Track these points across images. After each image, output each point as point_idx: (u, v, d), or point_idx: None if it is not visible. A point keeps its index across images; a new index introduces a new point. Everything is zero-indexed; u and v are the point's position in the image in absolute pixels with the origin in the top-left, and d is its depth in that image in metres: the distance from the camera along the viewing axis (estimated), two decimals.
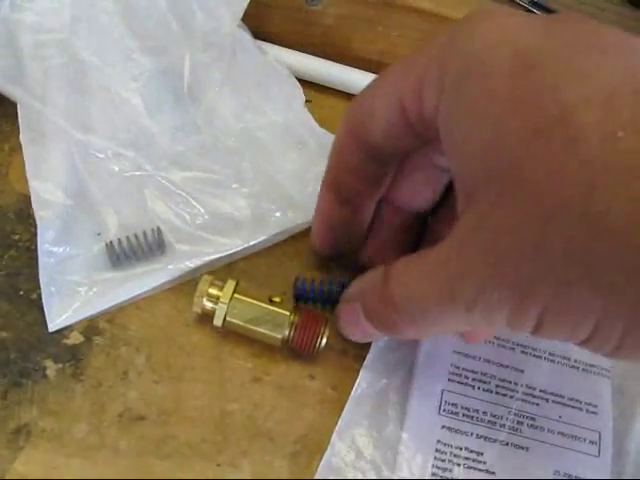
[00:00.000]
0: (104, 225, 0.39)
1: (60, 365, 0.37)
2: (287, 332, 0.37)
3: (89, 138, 0.40)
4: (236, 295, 0.37)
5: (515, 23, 0.24)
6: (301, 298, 0.39)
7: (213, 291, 0.37)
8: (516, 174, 0.22)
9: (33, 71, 0.41)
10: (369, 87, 0.32)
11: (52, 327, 0.37)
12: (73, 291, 0.38)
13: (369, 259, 0.38)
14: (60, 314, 0.37)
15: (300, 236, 0.42)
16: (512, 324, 0.26)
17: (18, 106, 0.41)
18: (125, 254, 0.38)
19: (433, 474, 0.36)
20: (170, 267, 0.39)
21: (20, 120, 0.41)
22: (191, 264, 0.39)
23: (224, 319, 0.37)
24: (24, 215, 0.40)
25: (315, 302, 0.40)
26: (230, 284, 0.37)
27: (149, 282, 0.39)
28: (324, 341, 0.37)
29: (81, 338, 0.38)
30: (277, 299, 0.37)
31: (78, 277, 0.38)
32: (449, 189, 0.36)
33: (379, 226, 0.38)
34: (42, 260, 0.38)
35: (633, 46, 0.23)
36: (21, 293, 0.38)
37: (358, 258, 0.39)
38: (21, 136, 0.40)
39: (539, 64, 0.22)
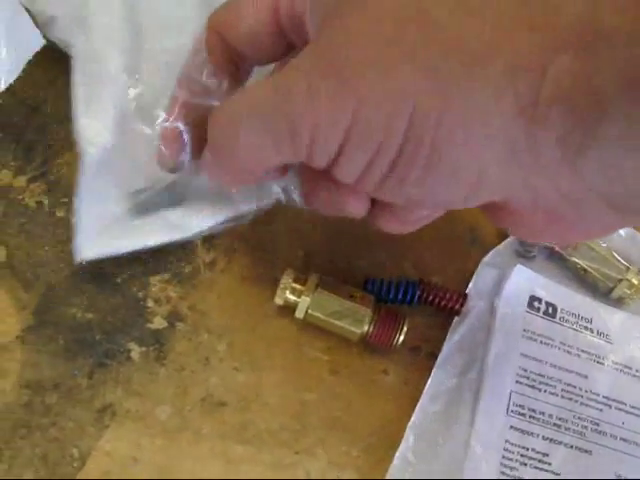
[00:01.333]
0: (138, 173, 0.39)
1: (144, 348, 0.38)
2: (366, 327, 0.38)
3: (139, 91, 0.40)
4: (319, 289, 0.38)
5: None
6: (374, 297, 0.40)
7: (296, 285, 0.38)
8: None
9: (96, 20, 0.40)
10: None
11: (79, 258, 0.37)
12: (104, 227, 0.37)
13: None
14: (90, 247, 0.37)
15: (376, 237, 0.43)
16: (321, 126, 0.25)
17: (73, 50, 0.40)
18: (153, 203, 0.38)
19: (501, 473, 0.38)
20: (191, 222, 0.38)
21: (74, 63, 0.39)
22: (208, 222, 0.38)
23: (306, 312, 0.38)
24: None
25: (386, 302, 0.41)
26: (314, 278, 0.38)
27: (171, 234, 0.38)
28: (401, 338, 0.38)
29: (164, 323, 0.39)
30: (357, 294, 0.38)
31: (109, 214, 0.38)
32: None
33: None
34: (81, 193, 0.37)
35: None
36: (106, 277, 0.39)
37: None
38: (73, 76, 0.39)
39: None
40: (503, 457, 0.38)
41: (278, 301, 0.38)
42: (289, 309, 0.38)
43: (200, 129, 0.31)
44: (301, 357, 0.39)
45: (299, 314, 0.38)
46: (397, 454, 0.37)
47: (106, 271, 0.39)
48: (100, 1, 0.40)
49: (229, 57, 0.31)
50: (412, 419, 0.38)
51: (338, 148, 0.26)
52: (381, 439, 0.38)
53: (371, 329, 0.38)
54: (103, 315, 0.38)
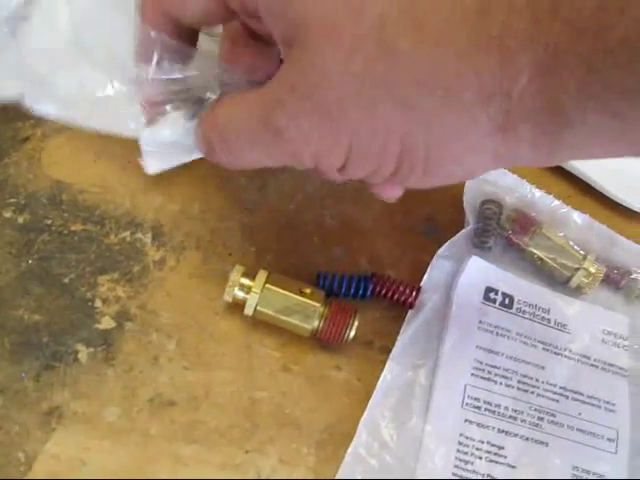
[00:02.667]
0: None
1: (92, 349, 0.37)
2: (317, 323, 0.37)
3: None
4: (268, 285, 0.37)
5: None
6: (326, 292, 0.40)
7: (245, 281, 0.38)
8: (324, 23, 0.25)
9: None
10: None
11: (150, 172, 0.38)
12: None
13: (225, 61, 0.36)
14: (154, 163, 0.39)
15: (329, 231, 0.43)
16: (321, 154, 0.28)
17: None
18: None
19: (455, 466, 0.37)
20: None
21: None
22: None
23: (255, 308, 0.37)
24: (57, 200, 0.41)
25: (338, 296, 0.40)
26: (262, 274, 0.38)
27: None
28: (352, 333, 0.38)
29: (113, 323, 0.38)
30: (308, 290, 0.38)
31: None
32: None
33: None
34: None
35: None
36: (54, 277, 0.39)
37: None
38: None
39: None
40: (458, 451, 0.38)
41: (227, 298, 0.38)
42: (239, 306, 0.38)
43: None
44: (251, 355, 0.38)
45: (248, 311, 0.37)
46: (349, 450, 0.37)
47: (53, 272, 0.39)
48: None
49: (178, 33, 0.32)
50: (364, 415, 0.38)
51: (341, 166, 0.29)
52: (333, 436, 0.37)
53: (321, 325, 0.38)
54: (50, 316, 0.38)
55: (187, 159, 0.38)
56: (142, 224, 0.41)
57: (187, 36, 0.33)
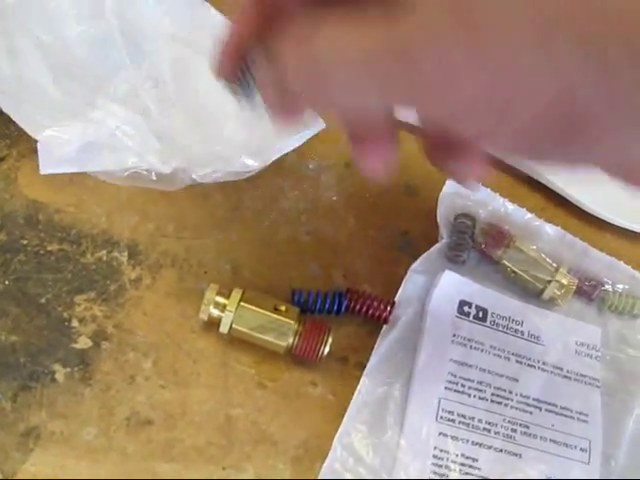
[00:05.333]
0: None
1: (69, 369, 0.38)
2: (291, 340, 0.38)
3: None
4: (242, 303, 0.38)
5: None
6: (301, 308, 0.40)
7: (220, 299, 0.38)
8: None
9: None
10: None
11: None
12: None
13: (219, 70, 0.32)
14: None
15: (304, 247, 0.43)
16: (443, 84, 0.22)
17: None
18: None
19: (430, 479, 0.38)
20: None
21: None
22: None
23: (230, 326, 0.38)
24: (33, 220, 0.41)
25: (313, 312, 0.41)
26: (237, 292, 0.38)
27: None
28: (327, 349, 0.38)
29: (90, 343, 0.38)
30: (282, 307, 0.38)
31: None
32: None
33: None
34: None
35: None
36: (30, 298, 0.39)
37: None
38: None
39: None
40: (432, 464, 0.38)
41: (202, 316, 0.38)
42: (215, 324, 0.38)
43: None
44: (227, 372, 0.39)
45: (223, 329, 0.38)
46: (324, 465, 0.37)
47: (30, 292, 0.39)
48: None
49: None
50: (340, 430, 0.38)
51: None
52: (309, 451, 0.38)
53: (296, 341, 0.38)
54: (27, 337, 0.38)
55: (84, 169, 0.39)
56: (118, 243, 0.41)
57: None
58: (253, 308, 0.38)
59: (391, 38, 0.21)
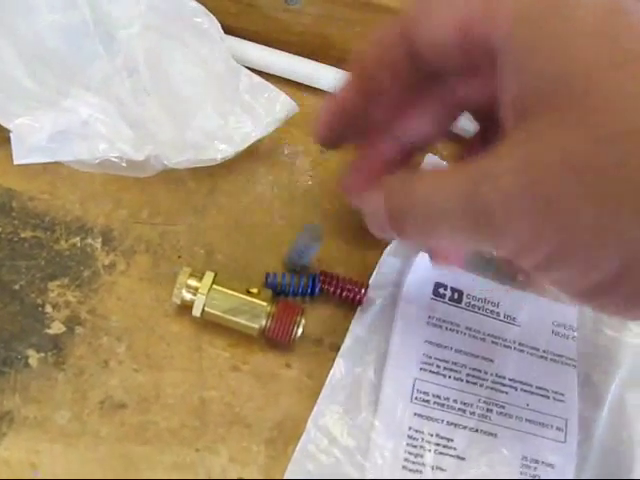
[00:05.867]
0: None
1: (42, 354, 0.38)
2: (264, 322, 0.38)
3: None
4: (214, 286, 0.38)
5: None
6: (275, 291, 0.40)
7: (192, 282, 0.38)
8: (587, 99, 0.22)
9: None
10: None
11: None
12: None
13: (346, 187, 0.39)
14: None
15: (278, 231, 0.44)
16: (521, 250, 0.26)
17: None
18: None
19: (405, 459, 0.38)
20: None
21: None
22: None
23: (203, 309, 0.38)
24: (7, 208, 0.41)
25: (287, 295, 0.41)
26: (209, 275, 0.38)
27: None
28: (300, 331, 0.38)
29: (63, 328, 0.39)
30: (254, 290, 0.39)
31: None
32: None
33: (368, 152, 0.37)
34: None
35: None
36: (4, 284, 0.39)
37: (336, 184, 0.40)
38: None
39: (627, 11, 0.24)
40: (407, 444, 0.38)
41: (175, 300, 0.38)
42: (188, 308, 0.38)
43: None
44: (201, 355, 0.39)
45: (196, 312, 0.38)
46: (298, 447, 0.37)
47: (3, 279, 0.39)
48: None
49: (413, 59, 0.31)
50: (314, 411, 0.38)
51: (538, 264, 0.26)
52: (283, 433, 0.38)
53: (268, 324, 0.38)
54: (1, 323, 0.38)
55: (57, 158, 0.40)
56: (92, 229, 0.42)
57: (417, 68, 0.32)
58: (225, 291, 0.38)
59: (466, 180, 0.26)
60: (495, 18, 0.26)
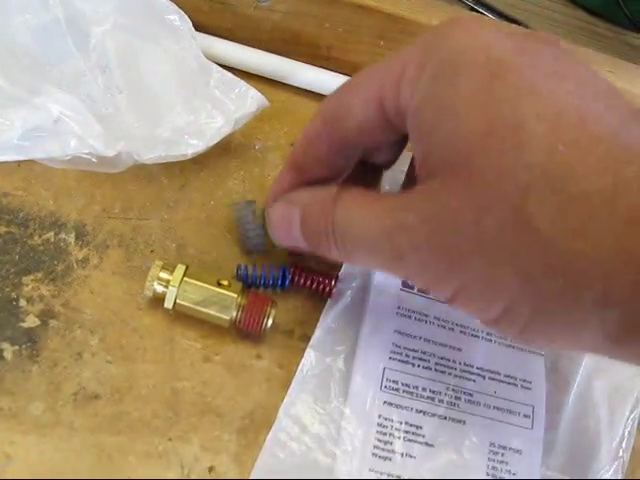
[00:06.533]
0: None
1: (17, 347, 0.38)
2: (234, 313, 0.39)
3: None
4: (186, 279, 0.39)
5: (490, 35, 0.28)
6: (246, 283, 0.41)
7: (164, 275, 0.39)
8: (468, 166, 0.25)
9: None
10: (347, 83, 0.34)
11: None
12: None
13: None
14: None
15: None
16: (430, 287, 0.30)
17: None
18: None
19: (375, 447, 0.39)
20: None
21: None
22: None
23: (174, 302, 0.38)
24: None
25: (258, 287, 0.42)
26: (180, 268, 0.39)
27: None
28: (270, 322, 0.39)
29: (37, 321, 0.39)
30: (225, 282, 0.39)
31: None
32: None
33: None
34: None
35: (586, 77, 0.27)
36: None
37: None
38: None
39: (505, 77, 0.26)
40: (377, 432, 0.39)
41: (147, 293, 0.39)
42: (160, 301, 0.39)
43: None
44: (173, 347, 0.40)
45: (168, 304, 0.38)
46: (269, 436, 0.38)
47: None
48: None
49: (338, 147, 0.34)
50: (285, 400, 0.39)
51: (448, 299, 0.30)
52: (254, 422, 0.38)
53: (239, 315, 0.39)
54: None
55: (30, 156, 0.40)
56: (65, 224, 0.42)
57: (348, 156, 0.35)
58: (196, 283, 0.39)
59: (385, 222, 0.29)
60: (400, 92, 0.30)
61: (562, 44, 0.29)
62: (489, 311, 0.28)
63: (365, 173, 0.38)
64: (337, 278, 0.42)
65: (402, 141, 0.35)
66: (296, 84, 0.51)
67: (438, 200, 0.27)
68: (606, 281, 0.23)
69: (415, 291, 0.43)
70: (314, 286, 0.42)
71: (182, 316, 0.40)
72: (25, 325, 0.39)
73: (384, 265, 0.31)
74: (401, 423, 0.40)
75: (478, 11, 0.55)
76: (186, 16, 0.46)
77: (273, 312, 0.39)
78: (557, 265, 0.24)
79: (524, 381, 0.42)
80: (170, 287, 0.38)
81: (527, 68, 0.26)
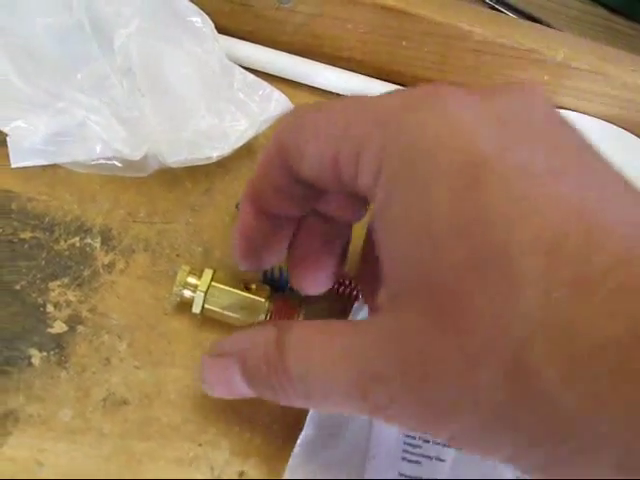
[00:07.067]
0: None
1: (45, 353, 0.38)
2: (263, 318, 0.39)
3: None
4: (213, 283, 0.38)
5: (468, 122, 0.22)
6: (273, 287, 0.41)
7: (191, 280, 0.39)
8: (452, 307, 0.21)
9: None
10: (303, 119, 0.28)
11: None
12: None
13: (292, 275, 0.36)
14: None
15: None
16: (421, 432, 0.28)
17: None
18: None
19: (404, 450, 0.38)
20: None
21: None
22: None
23: (202, 306, 0.38)
24: (6, 209, 0.42)
25: (285, 291, 0.41)
26: (208, 273, 0.39)
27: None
28: None
29: (65, 327, 0.39)
30: (253, 286, 0.39)
31: None
32: None
33: (304, 236, 0.35)
34: None
35: (587, 163, 0.22)
36: (5, 285, 0.40)
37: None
38: None
39: (489, 188, 0.21)
40: (406, 435, 0.39)
41: (175, 298, 0.39)
42: (188, 305, 0.39)
43: None
44: (201, 351, 0.39)
45: (196, 309, 0.38)
46: (299, 440, 0.38)
47: (4, 279, 0.40)
48: None
49: (296, 178, 0.29)
50: None
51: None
52: (283, 426, 0.38)
53: (267, 319, 0.39)
54: (3, 323, 0.39)
55: (54, 160, 0.40)
56: (91, 229, 0.42)
57: (308, 187, 0.29)
58: (224, 287, 0.39)
59: (354, 374, 0.24)
60: (359, 171, 0.25)
61: (545, 95, 0.24)
62: (495, 455, 0.23)
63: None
64: None
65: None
66: (318, 85, 0.51)
67: (415, 343, 0.22)
68: (628, 447, 0.19)
69: None
70: (341, 290, 0.41)
71: (209, 320, 0.40)
72: (53, 331, 0.39)
73: (364, 414, 0.26)
74: None
75: (499, 10, 0.55)
76: (208, 18, 0.45)
77: (301, 317, 0.39)
78: (567, 428, 0.20)
79: None
80: (198, 292, 0.38)
81: (516, 171, 0.21)
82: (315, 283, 0.35)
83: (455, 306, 0.21)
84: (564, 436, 0.20)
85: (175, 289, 0.39)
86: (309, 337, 0.27)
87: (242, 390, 0.30)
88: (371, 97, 0.26)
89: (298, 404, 0.28)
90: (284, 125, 0.30)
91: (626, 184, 0.22)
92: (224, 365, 0.30)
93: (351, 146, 0.25)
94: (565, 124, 0.23)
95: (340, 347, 0.25)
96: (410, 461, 0.38)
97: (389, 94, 0.26)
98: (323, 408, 0.29)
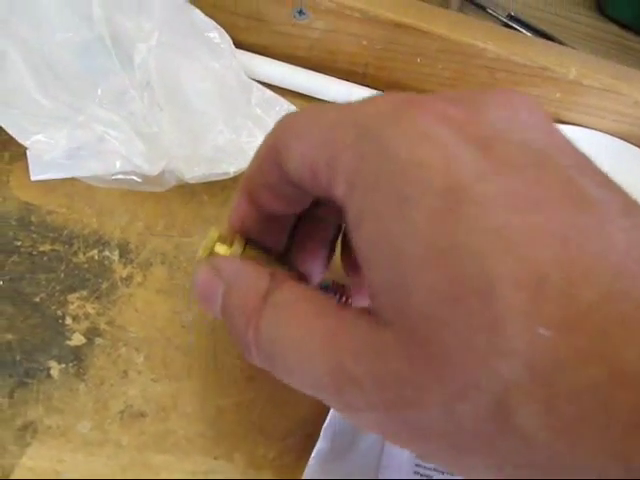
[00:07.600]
0: None
1: (64, 365, 0.39)
2: None
3: None
4: (247, 247, 0.34)
5: (450, 145, 0.21)
6: None
7: (219, 249, 0.33)
8: (433, 338, 0.20)
9: None
10: (291, 121, 0.28)
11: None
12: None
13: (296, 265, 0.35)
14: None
15: None
16: (391, 442, 0.24)
17: None
18: None
19: (417, 464, 0.39)
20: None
21: None
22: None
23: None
24: (25, 222, 0.42)
25: None
26: (240, 238, 0.33)
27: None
28: None
29: (83, 339, 0.40)
30: None
31: None
32: None
33: (305, 231, 0.34)
34: None
35: (578, 193, 0.20)
36: (24, 297, 0.40)
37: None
38: None
39: (470, 217, 0.20)
40: None
41: (202, 253, 0.33)
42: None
43: None
44: (217, 365, 0.40)
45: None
46: (313, 454, 0.38)
47: (24, 291, 0.40)
48: None
49: (287, 178, 0.28)
50: (328, 418, 0.39)
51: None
52: (297, 440, 0.39)
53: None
54: (22, 335, 0.39)
55: (73, 174, 0.40)
56: (109, 242, 0.43)
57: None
58: (259, 251, 0.38)
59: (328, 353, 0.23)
60: (334, 182, 0.24)
61: (536, 106, 0.23)
62: (467, 475, 0.22)
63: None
64: None
65: None
66: (332, 100, 0.51)
67: (392, 364, 0.21)
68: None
69: None
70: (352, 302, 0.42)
71: (225, 335, 0.40)
72: (71, 343, 0.40)
73: (332, 405, 0.25)
74: None
75: (512, 27, 0.55)
76: (226, 34, 0.46)
77: None
78: (544, 466, 0.19)
79: None
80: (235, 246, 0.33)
81: (497, 200, 0.20)
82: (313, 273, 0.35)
83: (433, 335, 0.20)
84: (542, 473, 0.19)
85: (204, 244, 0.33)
86: (293, 304, 0.25)
87: (218, 316, 0.28)
88: (354, 103, 0.25)
89: (257, 364, 0.27)
90: (277, 125, 0.29)
91: (623, 207, 0.20)
92: (211, 280, 0.29)
93: (328, 154, 0.24)
94: (556, 144, 0.22)
95: (323, 329, 0.23)
96: (422, 475, 0.39)
97: (372, 99, 0.25)
98: (285, 380, 0.26)
